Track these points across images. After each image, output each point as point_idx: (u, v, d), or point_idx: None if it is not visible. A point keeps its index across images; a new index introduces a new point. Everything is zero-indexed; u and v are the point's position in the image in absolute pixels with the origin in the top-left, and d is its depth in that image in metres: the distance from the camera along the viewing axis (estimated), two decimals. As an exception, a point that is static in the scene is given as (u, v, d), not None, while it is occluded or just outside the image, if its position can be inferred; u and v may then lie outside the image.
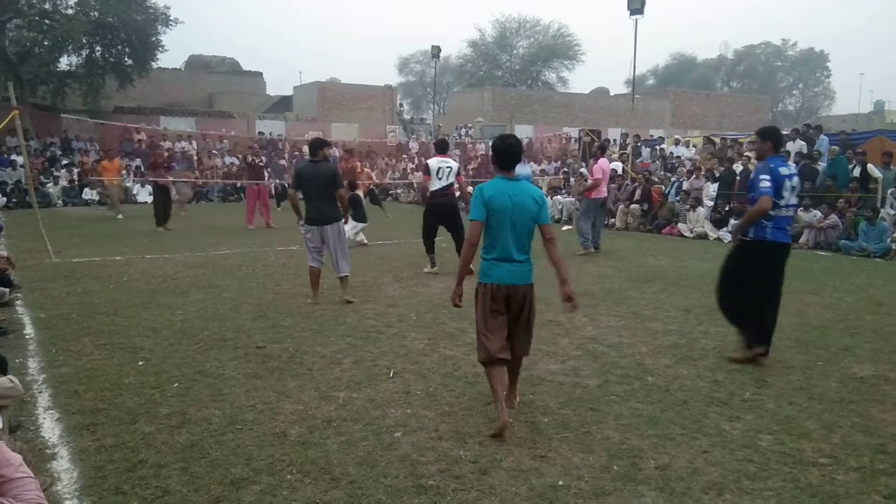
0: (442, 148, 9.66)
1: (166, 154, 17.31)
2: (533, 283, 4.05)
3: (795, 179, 5.15)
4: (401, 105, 42.40)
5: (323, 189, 6.90)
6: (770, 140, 5.22)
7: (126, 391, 4.46)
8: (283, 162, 17.26)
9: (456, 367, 5.05)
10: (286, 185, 15.53)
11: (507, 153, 4.03)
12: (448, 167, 8.90)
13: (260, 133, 28.55)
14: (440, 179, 8.83)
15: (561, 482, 3.28)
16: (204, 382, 4.65)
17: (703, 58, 63.28)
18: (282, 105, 36.80)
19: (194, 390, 4.50)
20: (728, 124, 38.65)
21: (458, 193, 9.26)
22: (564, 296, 4.02)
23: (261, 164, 16.41)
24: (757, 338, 5.16)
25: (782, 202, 5.05)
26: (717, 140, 19.81)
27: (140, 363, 5.05)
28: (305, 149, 23.56)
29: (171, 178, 15.27)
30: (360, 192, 12.95)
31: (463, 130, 31.58)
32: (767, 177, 4.94)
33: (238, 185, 15.71)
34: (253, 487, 3.21)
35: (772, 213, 5.02)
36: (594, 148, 12.53)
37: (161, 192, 14.61)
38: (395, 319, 6.48)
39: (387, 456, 3.56)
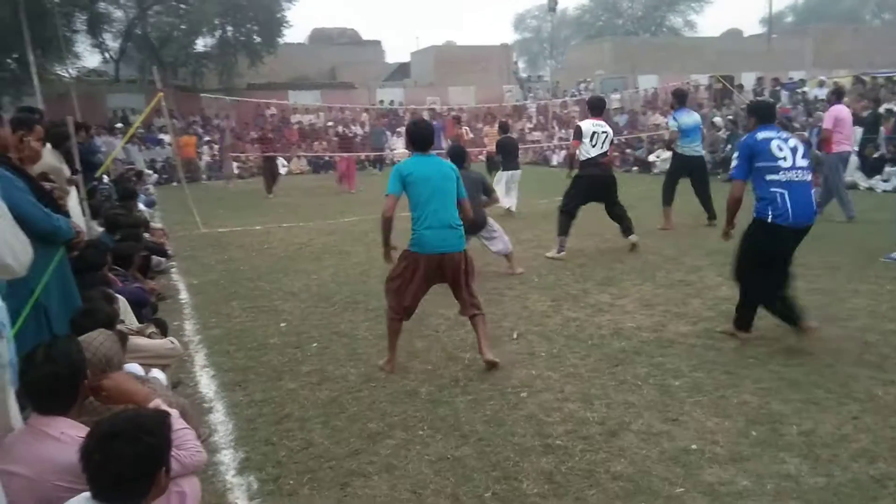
0: (597, 108, 7.96)
1: (271, 129, 19.33)
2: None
3: None
4: (515, 63, 41.60)
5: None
6: None
7: (271, 350, 4.82)
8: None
9: (580, 328, 5.01)
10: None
11: (419, 136, 4.34)
12: (604, 132, 7.57)
13: (380, 101, 29.14)
14: (594, 146, 7.51)
15: (694, 446, 3.20)
16: (340, 342, 4.93)
17: (850, -13, 57.12)
18: (400, 72, 37.24)
19: (331, 350, 4.78)
20: (881, 61, 34.60)
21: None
22: None
23: (350, 135, 18.46)
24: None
25: None
26: (868, 79, 17.94)
27: (282, 325, 5.43)
28: (425, 114, 23.99)
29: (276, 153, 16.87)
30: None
31: (582, 85, 30.58)
32: None
33: (328, 157, 17.33)
34: (388, 441, 3.39)
35: None
36: (828, 94, 10.45)
37: (268, 163, 15.97)
38: (516, 282, 6.50)
39: (513, 415, 3.62)
